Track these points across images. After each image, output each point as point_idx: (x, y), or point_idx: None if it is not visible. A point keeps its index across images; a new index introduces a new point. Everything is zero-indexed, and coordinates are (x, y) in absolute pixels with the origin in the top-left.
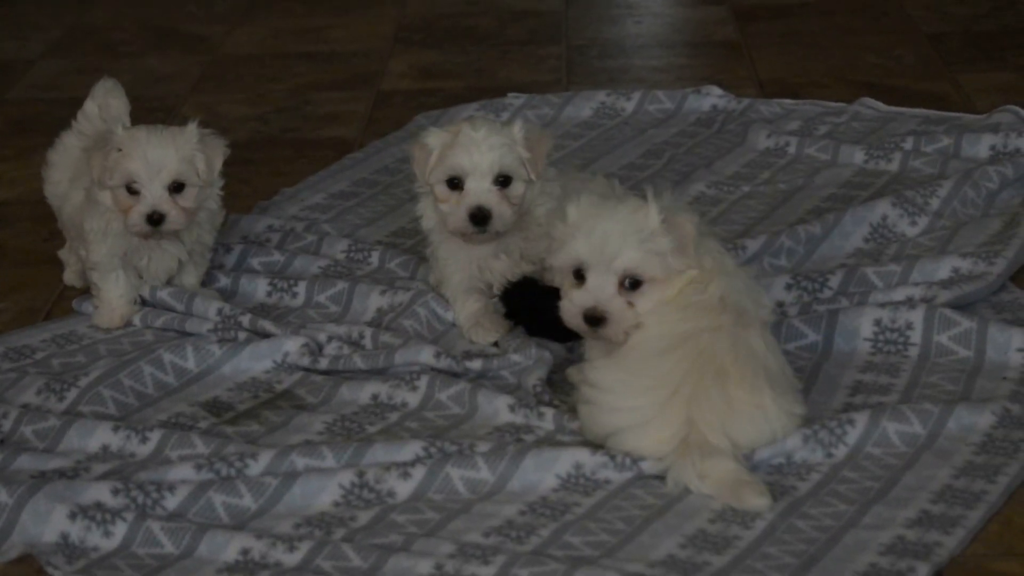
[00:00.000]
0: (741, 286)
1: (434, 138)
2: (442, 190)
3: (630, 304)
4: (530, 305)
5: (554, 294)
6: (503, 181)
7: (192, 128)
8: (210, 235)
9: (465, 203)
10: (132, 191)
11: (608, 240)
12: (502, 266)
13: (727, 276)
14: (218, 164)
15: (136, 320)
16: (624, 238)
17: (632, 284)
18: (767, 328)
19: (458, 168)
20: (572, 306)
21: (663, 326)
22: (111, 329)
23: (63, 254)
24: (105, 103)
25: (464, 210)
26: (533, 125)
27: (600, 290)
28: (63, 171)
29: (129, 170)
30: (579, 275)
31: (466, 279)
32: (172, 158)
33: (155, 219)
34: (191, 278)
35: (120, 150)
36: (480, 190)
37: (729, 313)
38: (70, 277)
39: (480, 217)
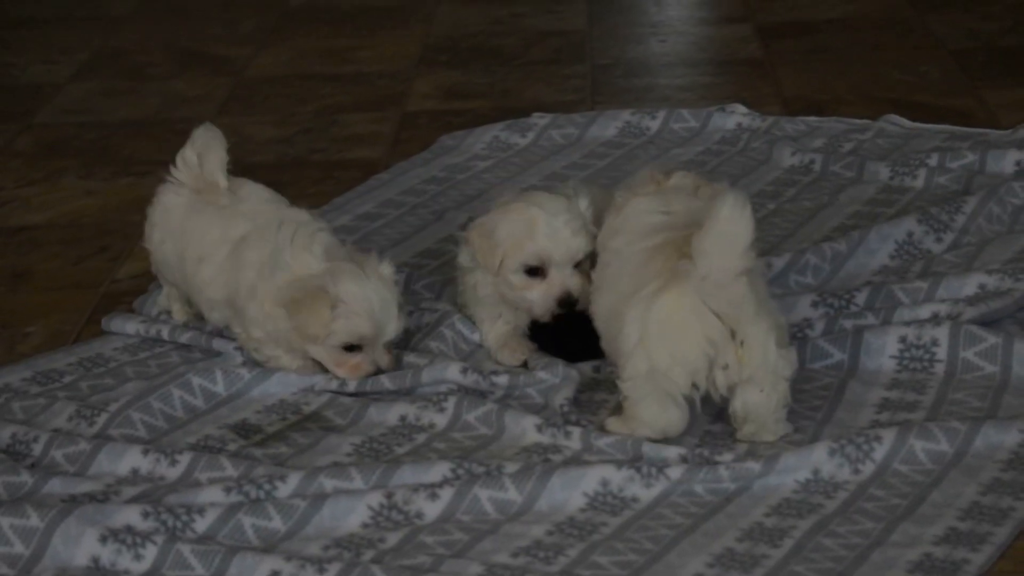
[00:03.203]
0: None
1: (503, 229)
2: (520, 279)
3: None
4: (558, 335)
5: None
6: (580, 261)
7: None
8: None
9: (553, 292)
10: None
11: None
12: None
13: None
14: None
15: (165, 334)
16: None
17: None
18: None
19: (544, 258)
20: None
21: None
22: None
23: (163, 302)
24: (205, 152)
25: (552, 298)
26: (593, 190)
27: (566, 279)
28: (166, 235)
29: (359, 332)
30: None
31: (496, 302)
32: (395, 315)
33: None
34: None
35: (341, 304)
36: (565, 276)
37: None
38: (181, 314)
39: (569, 302)
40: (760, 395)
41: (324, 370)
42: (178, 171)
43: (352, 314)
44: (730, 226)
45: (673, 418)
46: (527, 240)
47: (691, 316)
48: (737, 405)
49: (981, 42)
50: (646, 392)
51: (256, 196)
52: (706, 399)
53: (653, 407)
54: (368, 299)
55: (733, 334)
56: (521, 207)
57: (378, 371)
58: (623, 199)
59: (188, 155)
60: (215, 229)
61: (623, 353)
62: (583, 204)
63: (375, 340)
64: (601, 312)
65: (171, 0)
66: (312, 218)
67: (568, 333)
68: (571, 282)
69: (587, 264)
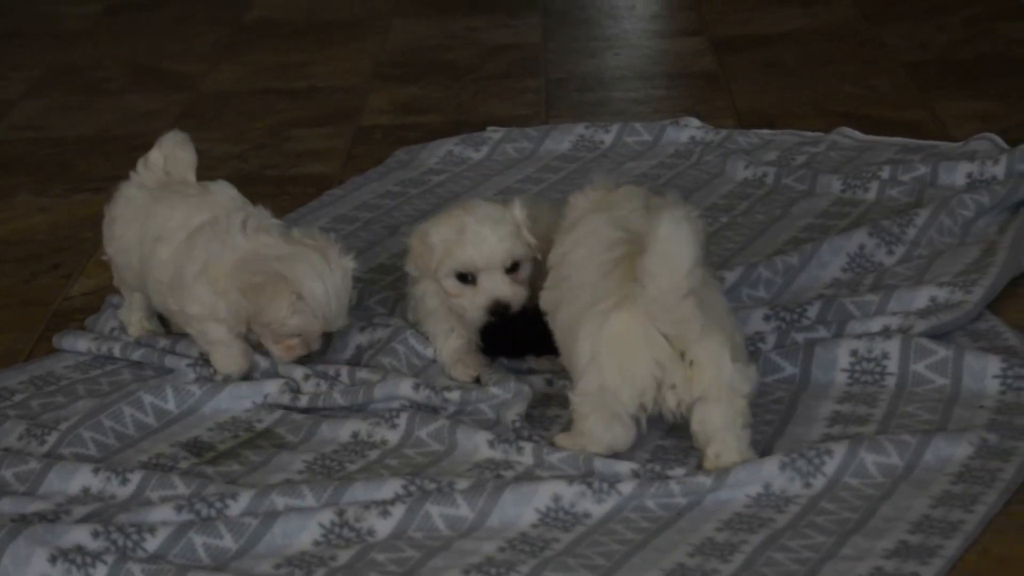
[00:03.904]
0: None
1: (436, 235)
2: (452, 284)
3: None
4: (508, 334)
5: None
6: (513, 267)
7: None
8: None
9: (481, 299)
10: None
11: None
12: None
13: None
14: None
15: (116, 351)
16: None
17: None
18: None
19: (469, 265)
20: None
21: None
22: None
23: (123, 315)
24: (172, 154)
25: (481, 307)
26: (532, 203)
27: (496, 284)
28: (129, 225)
29: (310, 328)
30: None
31: (447, 318)
32: (346, 312)
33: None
34: None
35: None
36: (494, 283)
37: None
38: (137, 329)
39: (500, 310)
40: (715, 410)
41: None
42: (140, 173)
43: (309, 312)
44: (671, 246)
45: (618, 435)
46: (456, 246)
47: (639, 338)
48: (695, 425)
49: (933, 54)
50: (593, 408)
51: (224, 192)
52: (658, 417)
53: (599, 424)
54: (328, 300)
55: (683, 354)
56: (454, 213)
57: (307, 354)
58: (576, 213)
59: (154, 157)
60: (178, 214)
61: (577, 368)
62: (518, 213)
63: (318, 332)
64: (560, 325)
65: (126, 16)
66: (272, 215)
67: (518, 330)
68: (501, 289)
69: (527, 270)
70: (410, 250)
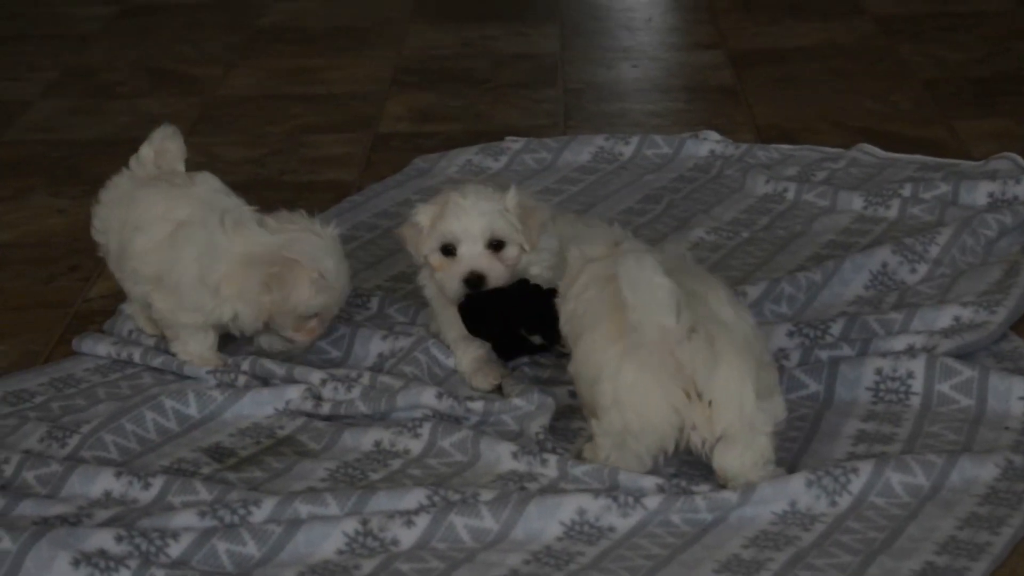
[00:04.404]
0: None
1: (422, 214)
2: (436, 258)
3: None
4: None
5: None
6: (496, 245)
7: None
8: None
9: (458, 268)
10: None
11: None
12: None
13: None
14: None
15: (136, 356)
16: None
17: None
18: None
19: (449, 235)
20: (452, 276)
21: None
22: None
23: (129, 308)
24: (162, 148)
25: (458, 276)
26: (527, 195)
27: (474, 256)
28: (115, 210)
29: (329, 304)
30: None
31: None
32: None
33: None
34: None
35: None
36: (473, 254)
37: None
38: (152, 328)
39: (474, 281)
40: (735, 455)
41: (219, 361)
42: (133, 168)
43: (330, 288)
44: (640, 295)
45: (635, 465)
46: (439, 220)
47: (652, 385)
48: (716, 467)
49: (952, 72)
50: (615, 446)
51: (207, 185)
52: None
53: (619, 456)
54: (342, 273)
55: (699, 394)
56: (442, 194)
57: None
58: (578, 263)
59: (144, 153)
60: (160, 205)
61: (600, 406)
62: (509, 198)
63: (337, 307)
64: (579, 357)
65: (139, 19)
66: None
67: (499, 308)
68: (478, 261)
69: (512, 252)
70: (402, 241)
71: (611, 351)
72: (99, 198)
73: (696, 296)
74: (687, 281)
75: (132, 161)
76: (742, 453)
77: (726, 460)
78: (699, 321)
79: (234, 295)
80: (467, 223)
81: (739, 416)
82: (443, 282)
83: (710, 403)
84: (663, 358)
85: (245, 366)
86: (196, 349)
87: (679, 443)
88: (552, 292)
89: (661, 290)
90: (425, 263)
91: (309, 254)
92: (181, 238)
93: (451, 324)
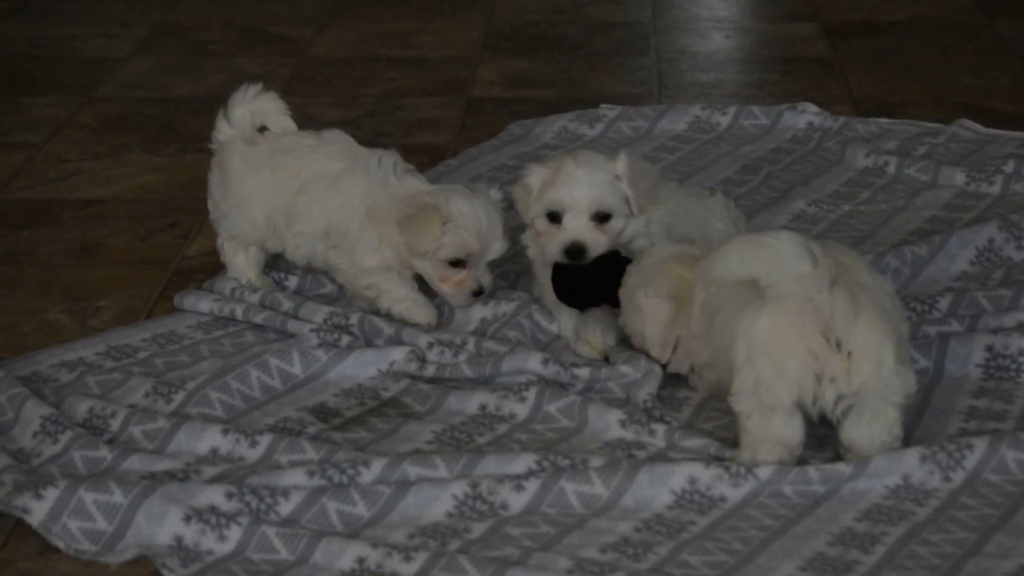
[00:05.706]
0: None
1: (535, 176)
2: (542, 223)
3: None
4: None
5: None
6: (602, 217)
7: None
8: None
9: (561, 237)
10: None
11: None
12: None
13: None
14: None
15: (239, 313)
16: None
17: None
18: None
19: (556, 203)
20: (554, 243)
21: None
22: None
23: (236, 269)
24: (258, 108)
25: (559, 245)
26: (638, 160)
27: (578, 227)
28: (247, 179)
29: (466, 247)
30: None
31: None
32: (500, 234)
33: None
34: None
35: (451, 220)
36: (576, 225)
37: None
38: (259, 280)
39: (575, 252)
40: (863, 424)
41: (432, 295)
42: (224, 131)
43: (460, 229)
44: (762, 258)
45: (778, 426)
46: (549, 186)
47: (791, 330)
48: (842, 438)
49: None
50: (752, 405)
51: (342, 139)
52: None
53: (758, 420)
54: (477, 216)
55: (839, 344)
56: (557, 158)
57: (479, 290)
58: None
59: (239, 114)
60: (312, 164)
61: (735, 367)
62: (620, 165)
63: (480, 257)
64: (716, 330)
65: None
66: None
67: (590, 280)
68: (583, 233)
69: (618, 225)
70: (515, 199)
71: (746, 311)
72: (228, 168)
73: (840, 264)
74: (830, 251)
75: (223, 125)
76: (870, 422)
77: (854, 435)
78: (841, 278)
79: (383, 232)
80: (577, 193)
81: (877, 372)
82: (545, 247)
83: (849, 354)
84: (801, 304)
85: (354, 320)
86: (401, 292)
87: (816, 397)
88: None
89: (785, 241)
90: (531, 225)
91: (448, 201)
92: (343, 184)
93: (551, 288)
